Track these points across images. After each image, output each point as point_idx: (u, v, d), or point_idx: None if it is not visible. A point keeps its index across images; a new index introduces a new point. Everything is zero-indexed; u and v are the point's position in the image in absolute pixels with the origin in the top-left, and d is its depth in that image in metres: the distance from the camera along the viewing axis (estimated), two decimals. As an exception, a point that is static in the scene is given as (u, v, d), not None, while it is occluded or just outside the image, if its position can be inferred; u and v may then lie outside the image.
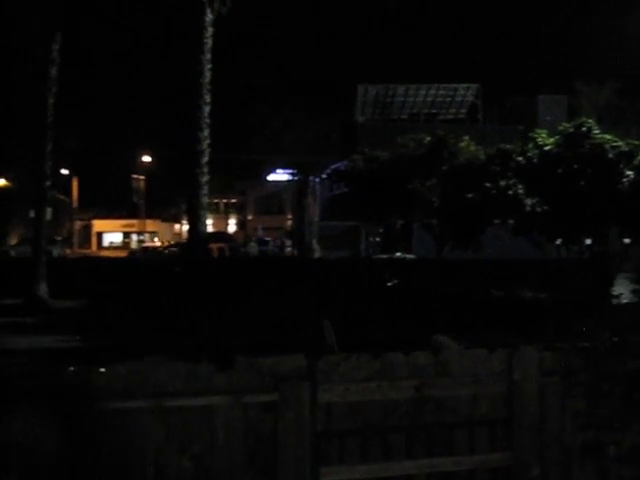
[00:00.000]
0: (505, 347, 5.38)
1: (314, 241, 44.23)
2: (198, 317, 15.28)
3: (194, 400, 4.68)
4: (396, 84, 52.06)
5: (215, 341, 11.55)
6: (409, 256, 34.20)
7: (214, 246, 34.64)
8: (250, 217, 71.58)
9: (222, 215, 73.43)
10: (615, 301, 15.19)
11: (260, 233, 61.14)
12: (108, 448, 4.70)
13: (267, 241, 53.79)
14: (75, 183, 69.60)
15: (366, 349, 5.12)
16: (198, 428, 4.75)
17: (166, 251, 48.88)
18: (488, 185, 22.51)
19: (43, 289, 21.91)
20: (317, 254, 42.14)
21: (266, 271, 25.79)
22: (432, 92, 52.61)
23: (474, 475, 5.23)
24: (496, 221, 23.72)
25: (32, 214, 26.27)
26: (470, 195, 22.68)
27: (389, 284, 23.20)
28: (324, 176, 45.60)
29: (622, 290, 14.61)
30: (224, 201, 74.54)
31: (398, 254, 35.51)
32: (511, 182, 22.32)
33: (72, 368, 4.81)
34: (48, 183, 22.83)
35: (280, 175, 54.75)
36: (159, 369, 4.69)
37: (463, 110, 53.26)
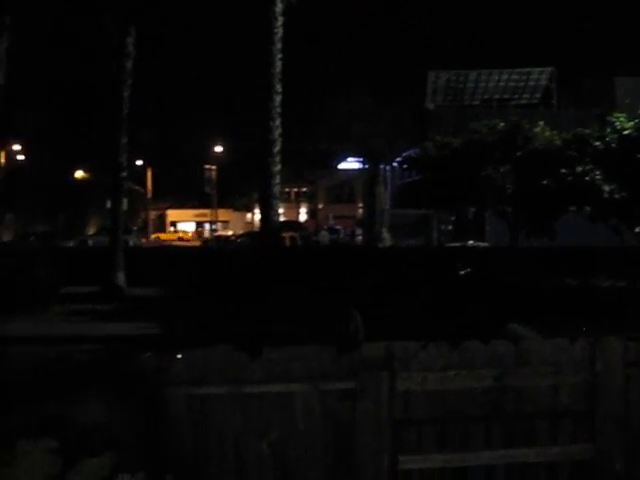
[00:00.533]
0: (586, 337, 5.25)
1: (384, 229, 44.08)
2: (269, 305, 15.42)
3: (272, 386, 4.72)
4: (467, 70, 51.30)
5: (278, 329, 11.63)
6: (482, 244, 33.77)
7: (286, 235, 34.90)
8: (321, 206, 71.75)
9: (293, 204, 73.85)
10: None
11: (331, 222, 61.26)
12: (188, 433, 4.78)
13: (338, 230, 53.88)
14: (149, 174, 71.01)
15: (440, 338, 5.06)
16: (276, 415, 4.79)
17: (238, 240, 49.48)
18: (564, 171, 21.96)
19: (120, 277, 22.44)
20: (387, 242, 41.98)
21: (337, 260, 25.85)
22: (504, 77, 51.63)
23: (555, 467, 5.12)
24: (572, 208, 23.14)
25: (109, 204, 26.90)
26: (545, 181, 22.15)
27: (461, 272, 22.93)
28: (395, 164, 45.35)
29: None
30: (295, 190, 74.93)
31: (471, 242, 35.09)
32: (588, 168, 21.71)
33: (150, 354, 4.91)
34: (124, 174, 23.34)
35: (350, 163, 54.69)
36: (237, 355, 4.74)
37: (537, 95, 52.10)
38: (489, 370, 4.93)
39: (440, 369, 4.87)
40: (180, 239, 66.91)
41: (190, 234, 73.30)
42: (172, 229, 77.95)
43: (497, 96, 51.66)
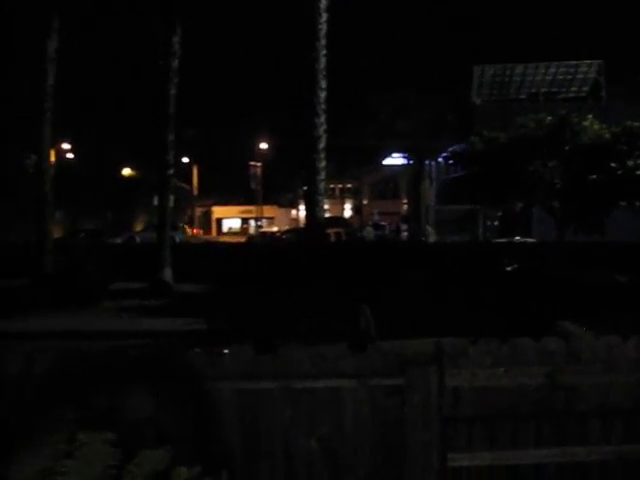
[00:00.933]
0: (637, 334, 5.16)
1: (427, 225, 43.82)
2: (314, 301, 15.44)
3: (321, 382, 4.73)
4: (514, 63, 50.65)
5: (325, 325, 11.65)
6: (529, 240, 33.36)
7: (331, 231, 34.89)
8: (365, 202, 71.64)
9: (338, 200, 73.87)
10: None
11: (376, 218, 61.12)
12: (237, 427, 4.82)
13: (383, 226, 53.72)
14: (195, 171, 71.70)
15: (489, 334, 5.02)
16: (325, 410, 4.80)
17: (283, 236, 49.68)
18: (614, 165, 21.57)
19: (168, 273, 22.70)
20: (432, 238, 41.73)
21: (383, 256, 25.79)
22: (552, 70, 50.86)
23: (607, 466, 5.04)
24: (622, 203, 22.73)
25: (156, 201, 27.22)
26: (594, 176, 21.81)
27: (508, 268, 22.69)
28: (440, 159, 45.04)
29: None
30: (340, 186, 74.96)
31: (517, 238, 34.70)
32: (639, 162, 21.32)
33: (199, 349, 4.96)
34: (170, 171, 23.58)
35: (395, 159, 54.44)
36: (287, 351, 4.76)
37: (585, 88, 51.22)
38: (540, 367, 4.87)
39: (489, 366, 4.83)
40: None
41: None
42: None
43: (544, 90, 50.91)
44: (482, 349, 4.84)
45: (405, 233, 49.05)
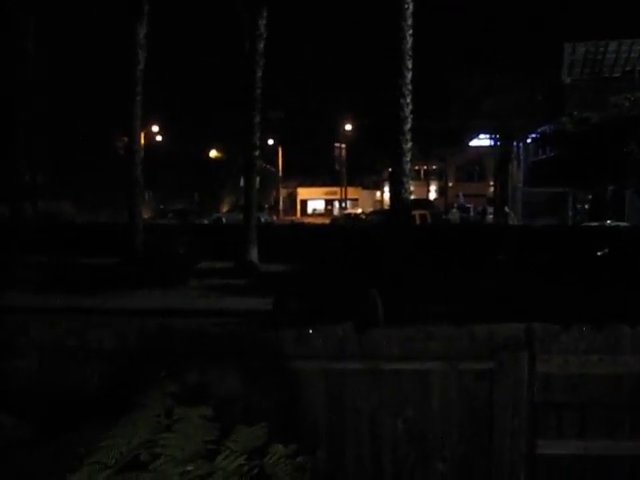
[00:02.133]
0: None
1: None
2: (393, 285, 15.36)
3: (409, 364, 4.71)
4: (607, 40, 48.87)
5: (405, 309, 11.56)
6: (622, 224, 32.30)
7: (416, 213, 34.58)
8: (451, 184, 70.70)
9: (423, 182, 73.12)
10: None
11: (461, 200, 60.30)
12: (324, 407, 4.85)
13: (468, 208, 52.95)
14: (280, 153, 72.25)
15: (582, 321, 4.88)
16: (412, 392, 4.78)
17: (367, 218, 49.58)
18: None
19: (253, 253, 22.99)
20: (513, 221, 40.86)
21: (468, 238, 25.44)
22: (647, 47, 48.93)
23: None
24: None
25: (242, 183, 27.57)
26: (693, 158, 20.95)
27: (599, 253, 22.03)
28: (529, 140, 43.97)
29: None
30: (424, 168, 74.17)
31: (609, 222, 33.63)
32: None
33: (287, 328, 5.00)
34: (256, 153, 23.82)
35: (482, 140, 53.44)
36: (375, 332, 4.76)
37: (683, 65, 49.08)
38: (636, 356, 4.72)
39: (583, 352, 4.71)
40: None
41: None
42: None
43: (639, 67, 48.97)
44: (575, 335, 4.72)
45: (491, 216, 48.23)
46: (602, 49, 49.23)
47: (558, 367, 4.69)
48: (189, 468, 3.05)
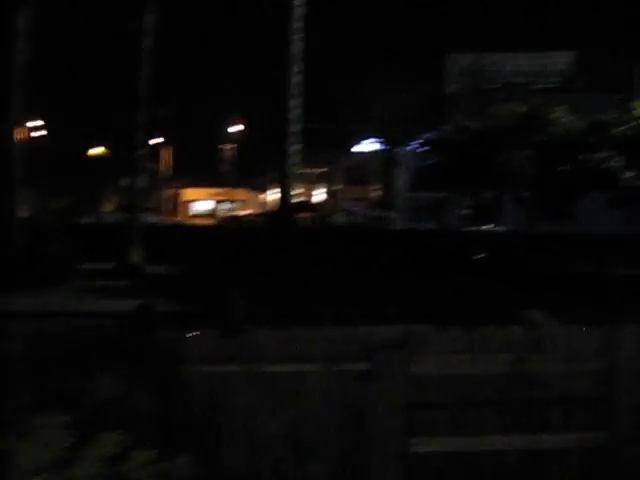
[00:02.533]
0: (602, 324, 5.23)
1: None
2: (281, 285, 15.44)
3: (287, 366, 4.72)
4: (488, 52, 50.84)
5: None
6: (499, 229, 33.60)
7: (302, 215, 34.82)
8: (338, 187, 71.63)
9: (310, 185, 73.75)
10: None
11: (348, 203, 61.13)
12: (201, 409, 4.80)
13: (355, 211, 53.79)
14: (167, 152, 71.16)
15: (456, 322, 5.05)
16: (291, 394, 4.80)
17: (254, 219, 49.51)
18: (583, 157, 21.80)
19: (137, 255, 22.54)
20: (398, 225, 41.84)
21: (353, 241, 25.81)
22: (526, 60, 51.20)
23: (568, 454, 5.11)
24: (591, 194, 22.98)
25: (126, 182, 26.99)
26: (564, 167, 22.03)
27: (477, 257, 22.86)
28: (413, 146, 45.11)
29: None
30: (312, 171, 74.82)
31: (487, 227, 34.92)
32: (608, 154, 21.55)
33: (164, 331, 4.93)
34: (141, 152, 23.37)
35: (369, 145, 54.43)
36: (255, 334, 4.75)
37: (558, 79, 51.64)
38: (504, 355, 4.92)
39: (455, 353, 4.86)
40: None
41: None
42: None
43: (518, 79, 51.20)
44: (448, 336, 4.87)
45: (377, 219, 49.13)
46: (483, 61, 51.17)
47: (432, 367, 4.83)
48: (35, 479, 2.94)
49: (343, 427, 4.85)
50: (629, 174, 21.08)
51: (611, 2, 68.38)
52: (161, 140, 67.06)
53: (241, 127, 64.24)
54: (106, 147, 63.22)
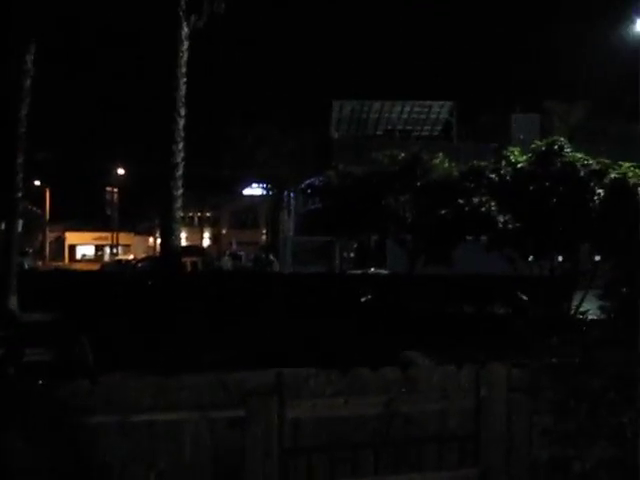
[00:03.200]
0: (474, 363, 5.41)
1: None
2: (168, 331, 15.17)
3: (160, 415, 4.64)
4: (371, 100, 52.31)
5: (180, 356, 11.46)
6: (383, 272, 34.25)
7: (187, 260, 34.35)
8: (224, 231, 71.41)
9: (196, 229, 73.15)
10: (583, 317, 15.33)
11: (234, 247, 60.97)
12: (74, 463, 4.64)
13: (241, 255, 53.63)
14: (48, 195, 69.07)
15: (336, 365, 5.11)
16: (164, 443, 4.71)
17: (139, 264, 48.53)
18: (461, 201, 22.58)
19: (13, 301, 21.62)
20: (283, 269, 41.97)
21: (240, 285, 25.67)
22: (407, 109, 52.92)
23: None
24: (469, 237, 23.80)
25: (2, 226, 25.95)
26: (443, 211, 22.75)
27: (362, 299, 23.16)
28: (299, 191, 45.63)
29: (589, 307, 14.75)
30: (198, 215, 74.32)
31: (372, 269, 35.54)
32: (484, 199, 22.39)
33: (36, 381, 4.76)
34: (19, 194, 22.56)
35: (255, 189, 54.68)
36: (126, 384, 4.65)
37: (438, 127, 53.64)
38: (378, 397, 5.00)
39: (330, 396, 4.91)
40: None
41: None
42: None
43: (400, 127, 52.93)
44: (322, 380, 4.91)
45: (262, 263, 49.12)
46: (367, 108, 52.62)
47: (307, 411, 4.85)
48: None
49: (219, 476, 4.79)
50: (503, 218, 21.96)
51: (488, 58, 72.05)
52: (44, 183, 65.13)
53: (123, 171, 63.25)
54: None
